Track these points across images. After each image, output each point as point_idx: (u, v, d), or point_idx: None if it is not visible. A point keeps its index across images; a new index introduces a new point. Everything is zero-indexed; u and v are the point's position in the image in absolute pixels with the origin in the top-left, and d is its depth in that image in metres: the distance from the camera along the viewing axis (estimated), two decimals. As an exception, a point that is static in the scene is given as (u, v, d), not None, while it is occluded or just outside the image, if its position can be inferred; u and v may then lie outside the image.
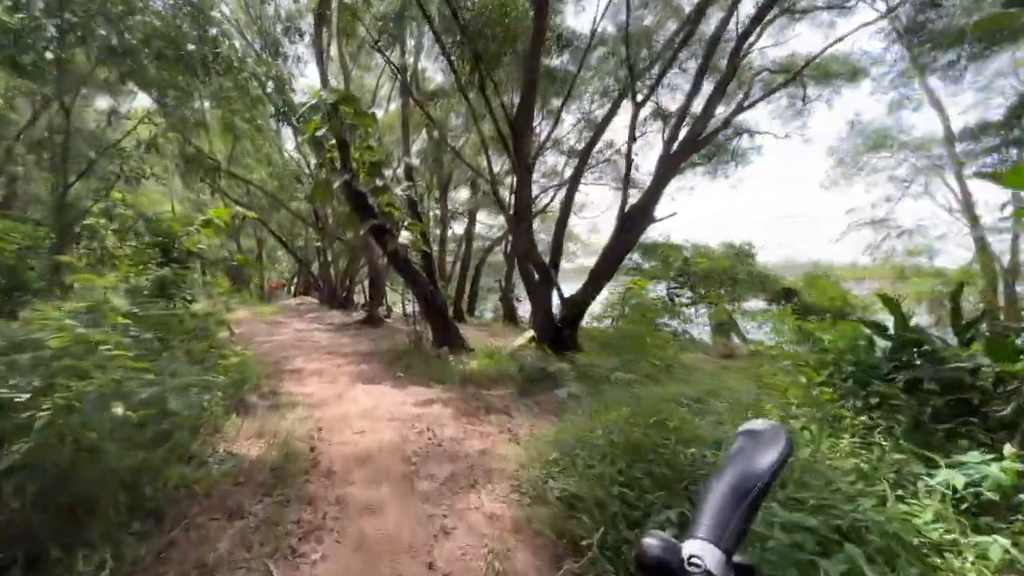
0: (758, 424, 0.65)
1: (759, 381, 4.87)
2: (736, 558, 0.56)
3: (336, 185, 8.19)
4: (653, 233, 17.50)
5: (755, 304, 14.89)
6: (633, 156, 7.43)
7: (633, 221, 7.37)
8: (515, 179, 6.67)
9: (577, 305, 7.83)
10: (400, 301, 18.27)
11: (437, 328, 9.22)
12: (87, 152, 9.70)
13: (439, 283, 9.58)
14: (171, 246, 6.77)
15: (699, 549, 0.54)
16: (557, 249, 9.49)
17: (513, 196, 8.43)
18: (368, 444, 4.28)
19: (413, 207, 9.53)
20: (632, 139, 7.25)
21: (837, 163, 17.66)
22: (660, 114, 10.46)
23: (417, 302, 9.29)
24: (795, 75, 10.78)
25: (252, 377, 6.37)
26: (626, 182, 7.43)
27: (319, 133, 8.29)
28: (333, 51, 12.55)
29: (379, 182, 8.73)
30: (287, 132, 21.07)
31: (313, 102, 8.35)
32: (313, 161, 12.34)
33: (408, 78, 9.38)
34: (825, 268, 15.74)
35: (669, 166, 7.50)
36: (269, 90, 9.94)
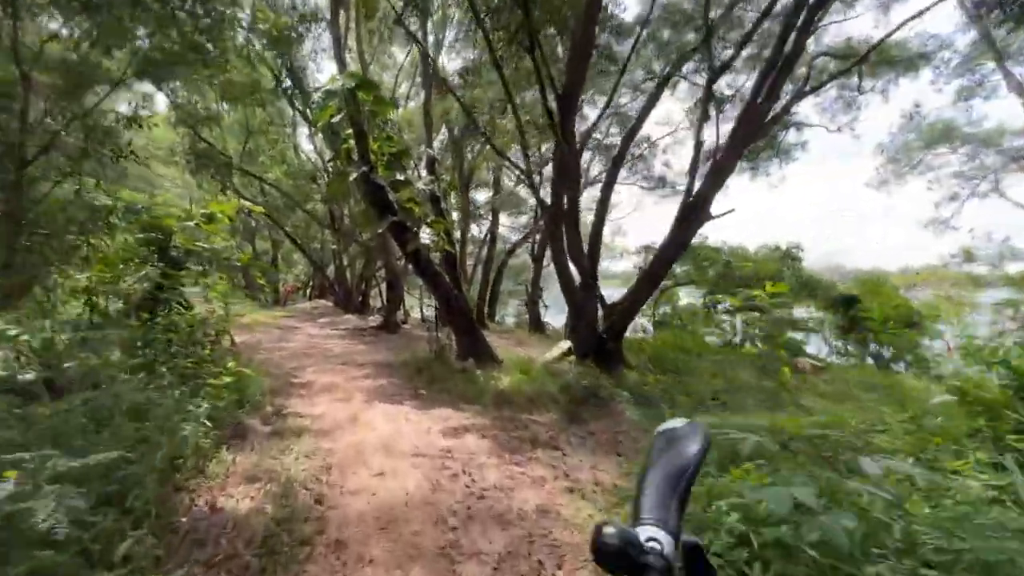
0: (676, 423, 0.69)
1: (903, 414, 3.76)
2: (682, 538, 0.59)
3: (353, 178, 7.33)
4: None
5: (804, 312, 13.67)
6: (702, 139, 6.40)
7: (693, 215, 6.34)
8: (559, 164, 5.71)
9: (625, 314, 6.84)
10: (418, 305, 17.43)
11: (462, 337, 8.29)
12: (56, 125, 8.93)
13: (463, 287, 8.67)
14: (167, 244, 5.95)
15: (652, 532, 0.56)
16: (594, 253, 8.50)
17: (551, 187, 7.48)
18: (390, 494, 3.34)
19: (436, 203, 8.65)
20: (704, 117, 6.22)
21: (888, 160, 16.34)
22: (713, 98, 9.39)
23: (439, 307, 8.37)
24: (861, 59, 9.67)
25: (254, 394, 5.50)
26: (694, 167, 6.33)
27: (335, 120, 7.47)
28: (352, 42, 11.82)
29: (399, 175, 7.87)
30: (303, 131, 20.54)
31: (329, 87, 7.55)
32: (328, 156, 11.54)
33: (433, 56, 8.48)
34: (877, 273, 14.43)
35: (731, 154, 6.48)
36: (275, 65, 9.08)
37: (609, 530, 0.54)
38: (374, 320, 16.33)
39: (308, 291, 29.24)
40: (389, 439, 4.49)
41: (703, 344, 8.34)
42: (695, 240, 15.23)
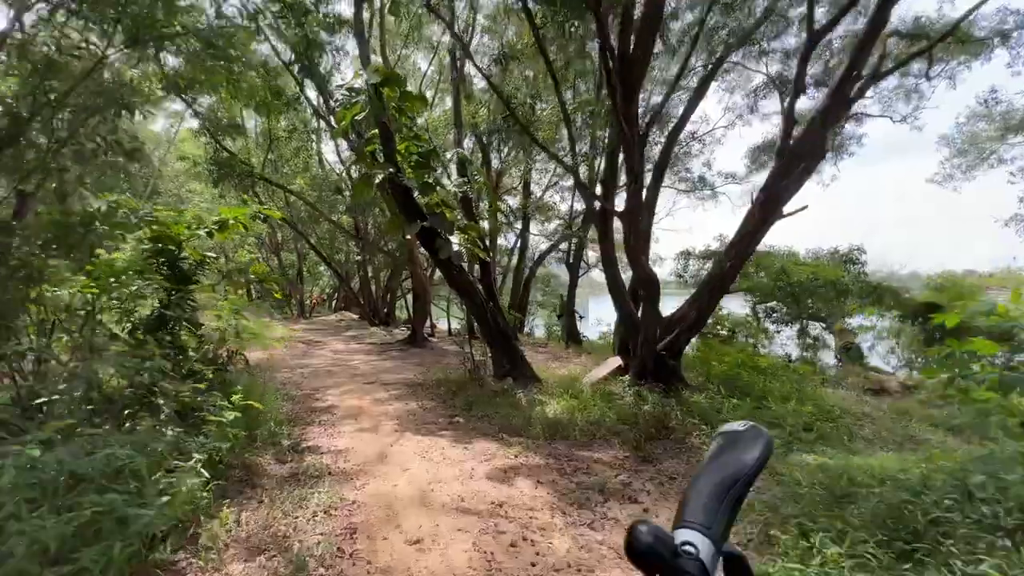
0: (737, 425, 0.65)
1: None
2: (725, 548, 0.55)
3: (378, 181, 6.66)
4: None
5: (865, 321, 12.37)
6: (796, 118, 5.43)
7: (769, 211, 5.40)
8: (625, 149, 4.88)
9: (690, 327, 5.91)
10: (445, 318, 16.76)
11: (498, 353, 7.49)
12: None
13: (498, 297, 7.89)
14: (177, 255, 5.35)
15: (690, 536, 0.53)
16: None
17: (601, 183, 6.64)
18: (432, 575, 2.52)
19: (468, 207, 7.93)
20: (800, 89, 5.25)
21: (955, 153, 14.93)
22: (777, 81, 8.44)
23: (475, 321, 7.60)
24: (943, 38, 8.66)
25: (269, 425, 4.81)
26: (785, 138, 5.27)
27: (359, 118, 6.84)
28: (374, 41, 11.31)
29: (428, 178, 7.18)
30: (327, 144, 20.31)
31: (353, 83, 6.95)
32: (351, 160, 11.02)
33: (465, 41, 7.76)
34: (958, 278, 12.95)
35: (818, 137, 5.53)
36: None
37: (642, 528, 0.50)
38: (400, 333, 15.72)
39: (333, 303, 29.06)
40: (426, 486, 3.69)
41: (766, 359, 7.29)
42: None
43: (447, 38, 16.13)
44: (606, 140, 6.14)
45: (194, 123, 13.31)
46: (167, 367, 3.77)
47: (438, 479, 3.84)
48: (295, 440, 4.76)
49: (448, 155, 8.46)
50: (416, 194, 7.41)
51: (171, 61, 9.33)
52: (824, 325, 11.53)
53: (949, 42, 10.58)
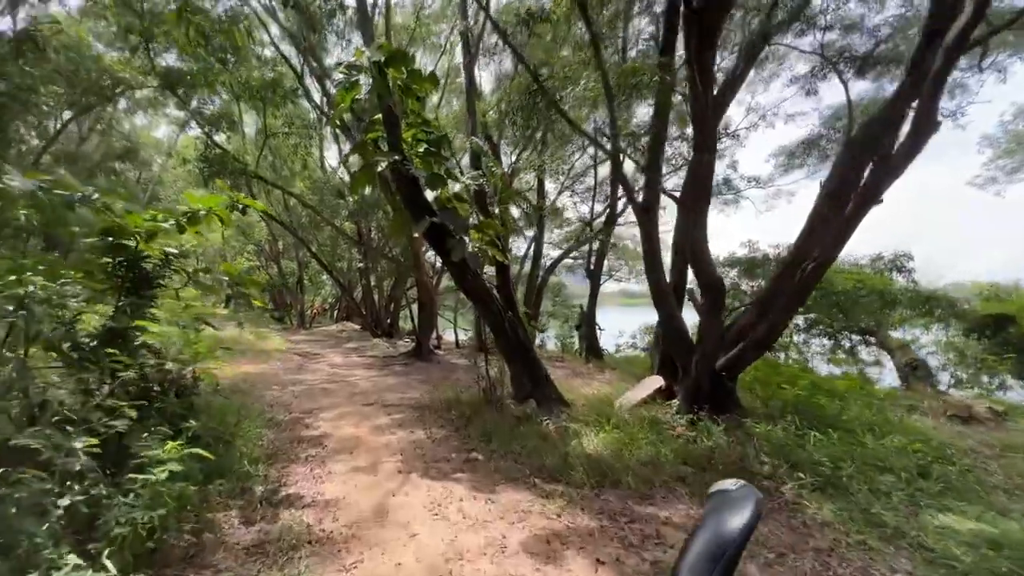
0: (729, 484, 0.66)
1: None
2: None
3: (382, 168, 5.71)
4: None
5: (916, 335, 11.27)
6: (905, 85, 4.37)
7: (865, 200, 4.35)
8: (695, 114, 3.88)
9: (760, 343, 4.87)
10: (453, 329, 15.75)
11: (519, 371, 6.47)
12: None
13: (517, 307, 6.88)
14: (138, 254, 4.38)
15: None
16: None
17: (646, 170, 5.62)
18: None
19: (483, 203, 6.97)
20: (959, 48, 4.17)
21: (1000, 154, 13.94)
22: (846, 53, 7.41)
23: (489, 333, 6.59)
24: (1011, 22, 7.70)
25: (241, 464, 3.80)
26: (928, 99, 4.14)
27: (359, 97, 5.93)
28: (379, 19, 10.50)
29: (439, 168, 6.22)
30: (331, 149, 19.52)
31: (354, 61, 6.04)
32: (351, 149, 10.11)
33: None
34: (1000, 287, 11.84)
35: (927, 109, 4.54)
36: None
37: None
38: (404, 345, 14.71)
39: (335, 313, 28.12)
40: (442, 565, 2.66)
41: (842, 381, 6.21)
42: (772, 251, 13.16)
43: (456, 31, 15.39)
44: (650, 121, 5.21)
45: (197, 130, 12.52)
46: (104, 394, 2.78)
47: (458, 552, 2.80)
48: (272, 486, 3.74)
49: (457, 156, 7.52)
50: (424, 188, 6.48)
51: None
52: (872, 339, 10.45)
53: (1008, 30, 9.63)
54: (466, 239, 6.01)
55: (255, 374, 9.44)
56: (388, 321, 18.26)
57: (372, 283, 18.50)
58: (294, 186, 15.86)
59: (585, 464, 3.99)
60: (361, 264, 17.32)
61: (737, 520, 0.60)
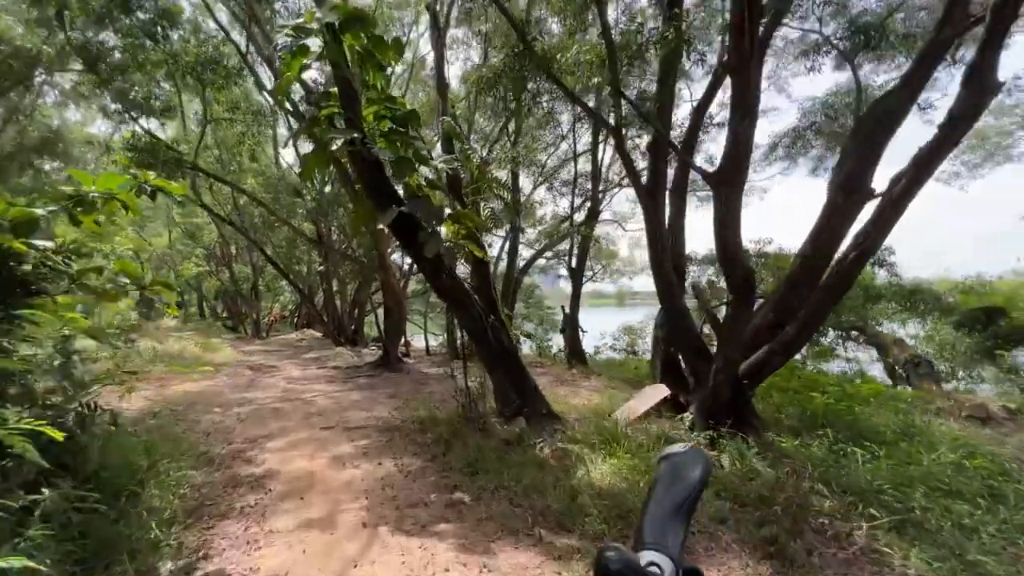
0: (678, 448, 0.72)
1: None
2: (684, 564, 0.59)
3: (337, 148, 4.75)
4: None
5: (902, 330, 11.11)
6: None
7: (924, 170, 3.74)
8: (734, 69, 3.15)
9: (790, 344, 4.21)
10: (423, 335, 14.75)
11: (504, 383, 5.63)
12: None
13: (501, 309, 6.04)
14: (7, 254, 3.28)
15: (653, 557, 0.58)
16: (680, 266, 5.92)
17: (650, 150, 4.86)
18: None
19: (457, 191, 6.10)
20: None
21: (964, 149, 14.10)
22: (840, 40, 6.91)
23: (471, 341, 5.71)
24: None
25: (143, 531, 2.80)
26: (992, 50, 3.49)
27: (307, 63, 4.98)
28: None
29: (406, 150, 5.32)
30: (287, 143, 18.12)
31: (303, 23, 5.07)
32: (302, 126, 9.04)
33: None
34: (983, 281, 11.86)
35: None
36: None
37: (610, 554, 0.54)
38: (370, 354, 13.59)
39: (295, 320, 26.41)
40: None
41: (867, 385, 5.67)
42: (753, 247, 12.83)
43: (420, 15, 14.42)
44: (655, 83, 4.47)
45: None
46: None
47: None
48: (185, 560, 2.75)
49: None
50: (390, 173, 5.60)
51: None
52: (860, 335, 10.18)
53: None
54: (440, 231, 5.14)
55: (195, 393, 8.21)
56: (352, 328, 17.07)
57: (334, 288, 17.23)
58: (245, 183, 14.46)
59: (598, 504, 3.19)
60: (322, 267, 16.04)
61: (692, 476, 0.65)
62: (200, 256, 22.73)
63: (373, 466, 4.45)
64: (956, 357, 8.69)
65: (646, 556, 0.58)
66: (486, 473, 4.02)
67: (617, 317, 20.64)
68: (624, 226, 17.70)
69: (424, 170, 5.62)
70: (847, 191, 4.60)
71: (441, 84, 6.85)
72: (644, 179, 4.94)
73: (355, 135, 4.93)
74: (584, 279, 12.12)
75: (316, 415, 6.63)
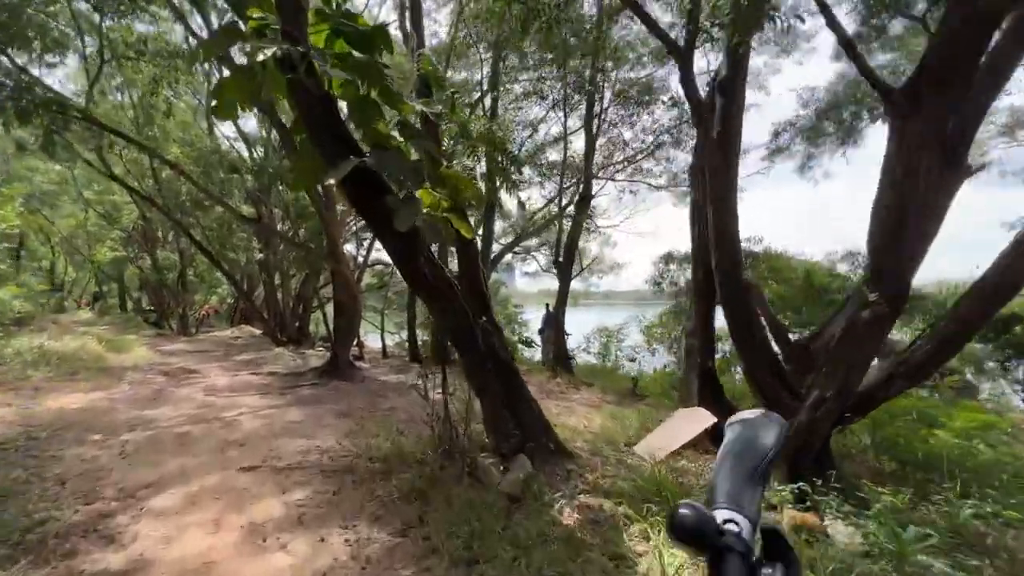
0: (749, 413, 0.66)
1: None
2: (761, 523, 0.56)
3: (265, 61, 3.14)
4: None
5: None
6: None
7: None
8: None
9: (920, 368, 3.03)
10: (379, 334, 13.01)
11: (498, 408, 4.19)
12: None
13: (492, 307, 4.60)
14: None
15: (729, 515, 0.55)
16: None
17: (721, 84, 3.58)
18: None
19: (437, 142, 4.60)
20: None
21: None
22: None
23: (456, 348, 4.23)
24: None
25: None
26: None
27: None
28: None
29: (370, 85, 3.75)
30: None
31: None
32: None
33: None
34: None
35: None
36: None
37: (685, 511, 0.52)
38: (316, 356, 11.72)
39: (234, 315, 23.62)
40: None
41: (972, 411, 4.66)
42: (749, 247, 12.04)
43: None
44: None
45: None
46: None
47: None
48: None
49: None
50: (345, 118, 4.08)
51: None
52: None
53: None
54: (416, 199, 3.64)
55: (76, 410, 6.25)
56: (296, 325, 15.00)
57: (276, 281, 15.04)
58: (169, 154, 12.14)
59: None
60: (261, 254, 13.89)
61: (766, 438, 0.60)
62: (117, 240, 19.69)
63: (312, 545, 2.91)
64: (977, 368, 8.12)
65: (722, 514, 0.54)
66: (490, 562, 2.59)
67: (585, 316, 19.65)
68: (596, 222, 16.55)
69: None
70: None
71: (415, 17, 5.31)
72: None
73: (296, 48, 3.34)
74: (575, 273, 10.79)
75: (237, 445, 4.93)
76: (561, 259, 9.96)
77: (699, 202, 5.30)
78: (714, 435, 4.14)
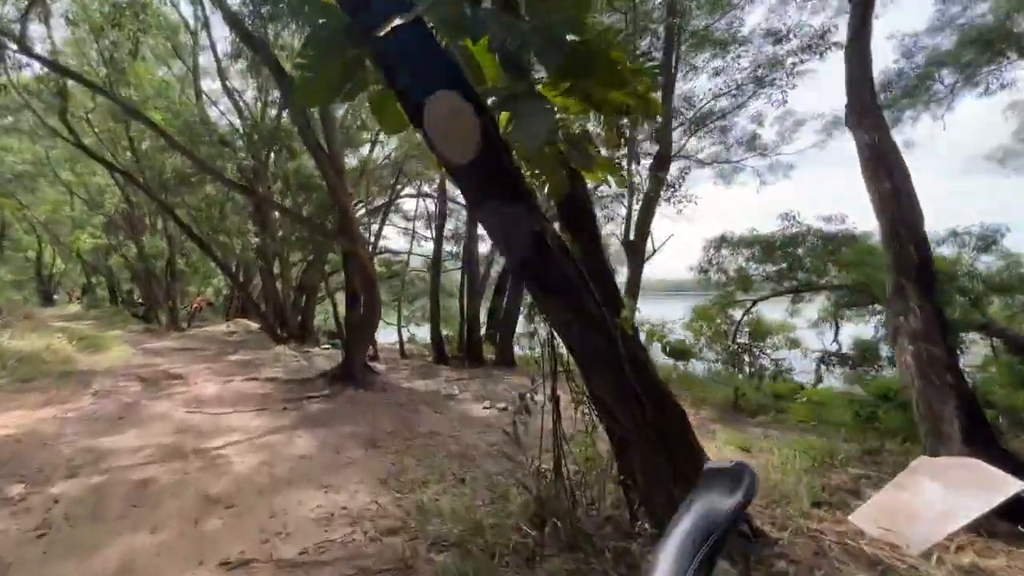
0: (723, 462, 0.59)
1: None
2: None
3: None
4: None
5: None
6: None
7: None
8: None
9: None
10: (396, 328, 11.32)
11: (656, 460, 2.49)
12: None
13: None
14: None
15: None
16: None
17: None
18: None
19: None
20: None
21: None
22: None
23: (582, 366, 2.53)
24: None
25: None
26: None
27: None
28: None
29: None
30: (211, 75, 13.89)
31: None
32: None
33: None
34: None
35: None
36: None
37: None
38: (321, 356, 10.02)
39: (230, 307, 21.84)
40: None
41: None
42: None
43: None
44: None
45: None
46: None
47: None
48: None
49: None
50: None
51: None
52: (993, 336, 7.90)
53: None
54: (543, 97, 1.90)
55: (6, 438, 4.57)
56: (298, 319, 13.28)
57: (276, 268, 13.28)
58: (149, 115, 10.34)
59: None
60: (258, 239, 12.13)
61: (727, 501, 0.52)
62: (98, 226, 17.86)
63: None
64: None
65: None
66: None
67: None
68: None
69: None
70: None
71: None
72: None
73: None
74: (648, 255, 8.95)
75: (217, 506, 3.25)
76: (632, 238, 8.14)
77: (879, 145, 3.76)
78: (1017, 508, 2.49)
